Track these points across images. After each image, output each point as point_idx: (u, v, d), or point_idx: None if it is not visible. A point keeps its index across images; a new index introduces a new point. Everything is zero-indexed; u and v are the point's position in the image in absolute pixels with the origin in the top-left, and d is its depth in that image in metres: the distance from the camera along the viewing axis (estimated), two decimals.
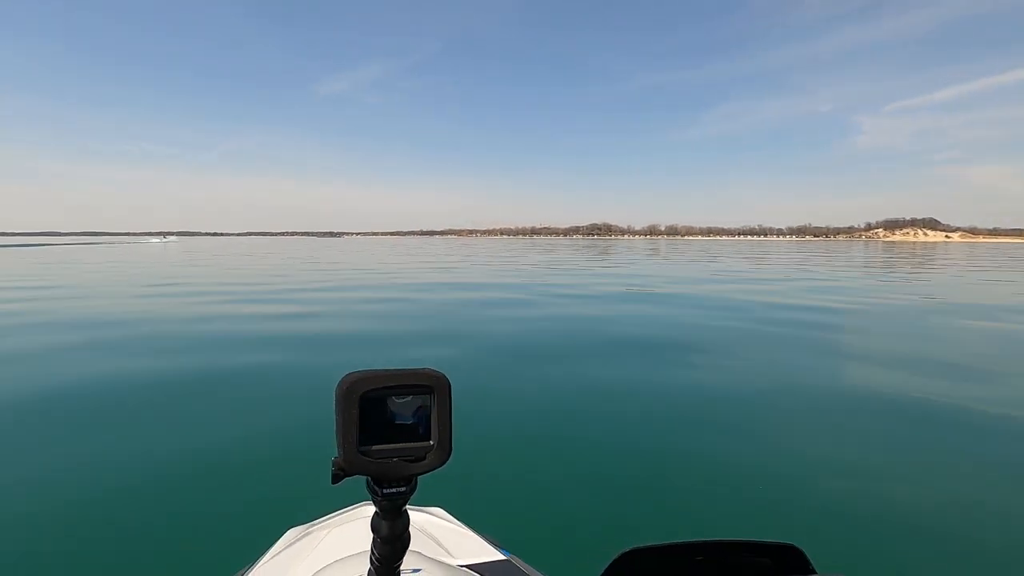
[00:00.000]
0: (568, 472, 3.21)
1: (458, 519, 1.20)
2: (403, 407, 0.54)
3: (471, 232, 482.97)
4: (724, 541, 0.60)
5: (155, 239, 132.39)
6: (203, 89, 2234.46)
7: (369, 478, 0.54)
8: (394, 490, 0.54)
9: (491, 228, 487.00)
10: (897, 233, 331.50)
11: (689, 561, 0.60)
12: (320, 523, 1.13)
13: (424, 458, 0.54)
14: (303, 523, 1.19)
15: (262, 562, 1.00)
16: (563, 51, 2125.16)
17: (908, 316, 9.86)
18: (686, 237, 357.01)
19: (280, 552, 1.02)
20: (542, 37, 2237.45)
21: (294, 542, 1.05)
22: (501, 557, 1.01)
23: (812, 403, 4.62)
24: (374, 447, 0.52)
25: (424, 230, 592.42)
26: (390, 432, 0.53)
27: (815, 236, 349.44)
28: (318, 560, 0.88)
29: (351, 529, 1.04)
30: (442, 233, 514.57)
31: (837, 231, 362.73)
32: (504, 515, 2.69)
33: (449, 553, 1.00)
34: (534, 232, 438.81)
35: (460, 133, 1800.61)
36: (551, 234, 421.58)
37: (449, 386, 0.55)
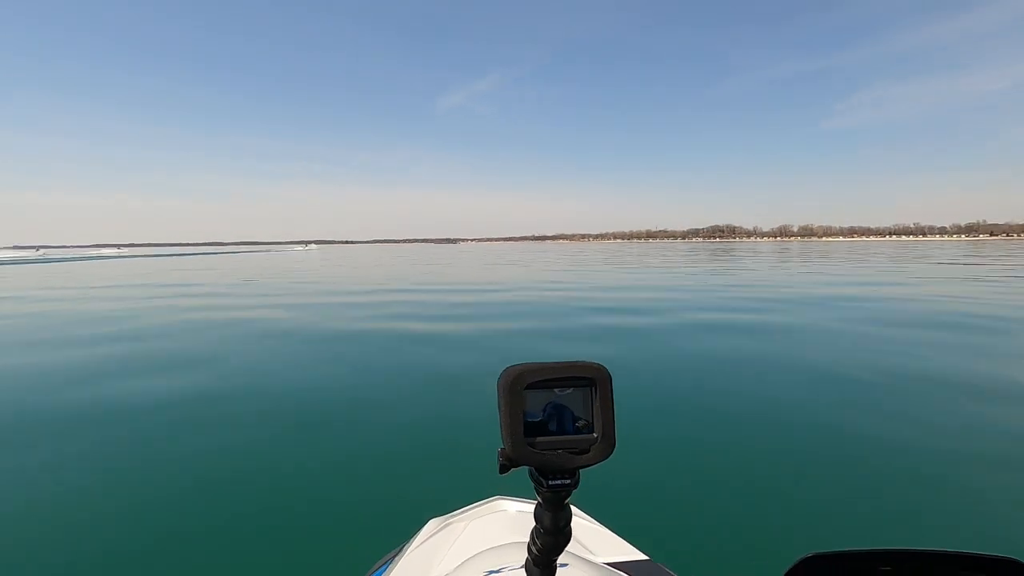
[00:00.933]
0: (715, 477, 3.06)
1: (592, 516, 1.21)
2: (566, 399, 0.54)
3: (583, 237, 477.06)
4: (924, 550, 0.53)
5: (298, 247, 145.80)
6: (341, 110, 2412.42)
7: (533, 469, 0.55)
8: (559, 482, 0.54)
9: (603, 232, 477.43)
10: None
11: (878, 571, 0.54)
12: (458, 515, 1.18)
13: (588, 451, 0.54)
14: (441, 514, 1.24)
15: (409, 550, 1.06)
16: (682, 49, 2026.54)
17: None
18: (824, 239, 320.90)
19: (424, 542, 1.07)
20: (661, 35, 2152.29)
21: (435, 532, 1.10)
22: (642, 557, 1.00)
23: None
24: (539, 439, 0.53)
25: (536, 235, 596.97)
26: (554, 424, 0.54)
27: (992, 235, 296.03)
28: (461, 551, 0.93)
29: (487, 523, 1.09)
30: (553, 238, 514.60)
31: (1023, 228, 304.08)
32: (638, 515, 2.61)
33: (589, 550, 1.00)
34: (650, 236, 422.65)
35: (572, 137, 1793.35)
36: (668, 237, 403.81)
37: (610, 378, 0.55)
